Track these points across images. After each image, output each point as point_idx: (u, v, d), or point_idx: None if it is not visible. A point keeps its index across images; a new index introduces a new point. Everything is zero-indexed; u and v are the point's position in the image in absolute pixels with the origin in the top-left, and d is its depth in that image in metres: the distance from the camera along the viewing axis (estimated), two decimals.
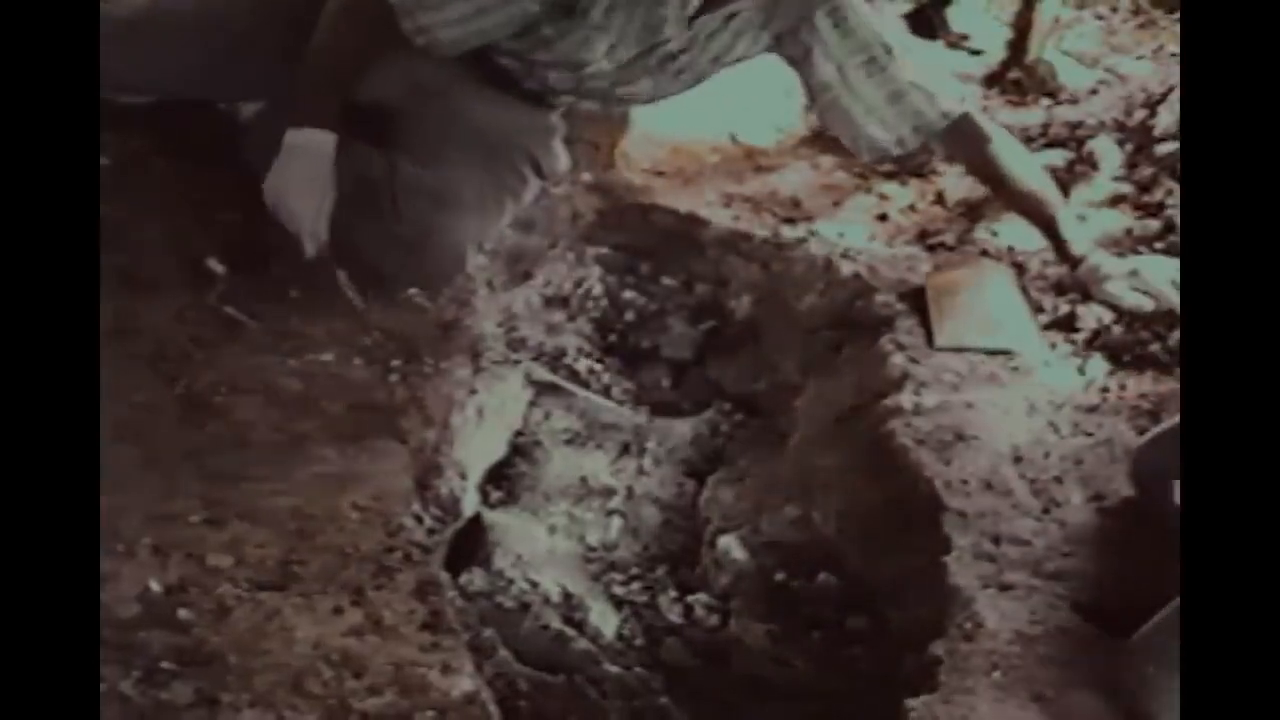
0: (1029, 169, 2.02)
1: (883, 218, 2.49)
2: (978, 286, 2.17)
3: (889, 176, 2.62)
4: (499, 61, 1.92)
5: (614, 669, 1.69)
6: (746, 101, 2.39)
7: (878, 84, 1.92)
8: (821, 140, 2.70)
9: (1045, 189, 2.01)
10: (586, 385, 2.24)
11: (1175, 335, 2.00)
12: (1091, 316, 2.09)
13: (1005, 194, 2.06)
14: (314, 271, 1.89)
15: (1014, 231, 2.22)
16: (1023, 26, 3.06)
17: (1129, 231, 2.34)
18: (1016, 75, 3.03)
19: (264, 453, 1.61)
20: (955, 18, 3.21)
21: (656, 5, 1.75)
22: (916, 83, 1.92)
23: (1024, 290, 2.18)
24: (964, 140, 1.99)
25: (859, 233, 2.41)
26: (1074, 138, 2.73)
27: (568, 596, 1.80)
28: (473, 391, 1.96)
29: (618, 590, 1.86)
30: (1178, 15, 3.25)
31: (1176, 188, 2.35)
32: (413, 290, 1.96)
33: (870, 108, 1.95)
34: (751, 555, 1.89)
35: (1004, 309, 2.13)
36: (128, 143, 1.99)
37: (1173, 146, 2.50)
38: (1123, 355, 2.04)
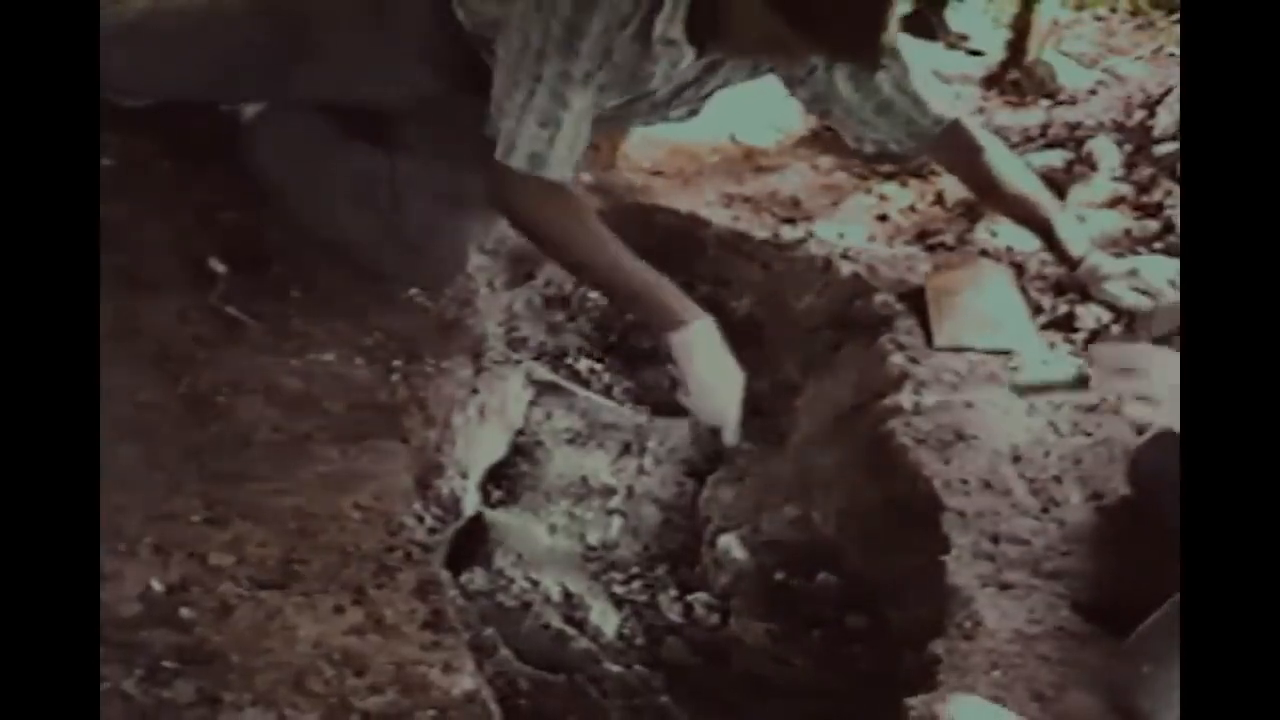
0: (1020, 174, 2.02)
1: (883, 218, 2.49)
2: (977, 286, 2.17)
3: (889, 177, 2.62)
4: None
5: (614, 668, 1.69)
6: (746, 101, 2.40)
7: (864, 96, 1.92)
8: (821, 140, 2.71)
9: (1038, 194, 2.02)
10: (587, 385, 2.24)
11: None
12: (1090, 316, 2.09)
13: (997, 200, 2.06)
14: (315, 270, 1.90)
15: (1013, 232, 2.22)
16: (1022, 27, 3.07)
17: (1128, 232, 2.34)
18: (1016, 76, 3.04)
19: (266, 452, 1.61)
20: (954, 19, 3.21)
21: (646, 63, 1.75)
22: (905, 90, 1.92)
23: (1023, 290, 2.19)
24: (954, 147, 1.99)
25: (859, 233, 2.42)
26: (1073, 138, 2.74)
27: (568, 595, 1.80)
28: (474, 391, 1.97)
29: (618, 589, 1.87)
30: (1176, 16, 3.26)
31: (1175, 188, 2.35)
32: (414, 290, 1.97)
33: (862, 120, 1.95)
34: (751, 554, 1.90)
35: (1003, 309, 2.13)
36: (129, 143, 2.00)
37: (1171, 147, 2.50)
38: None
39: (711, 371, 1.77)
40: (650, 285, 1.77)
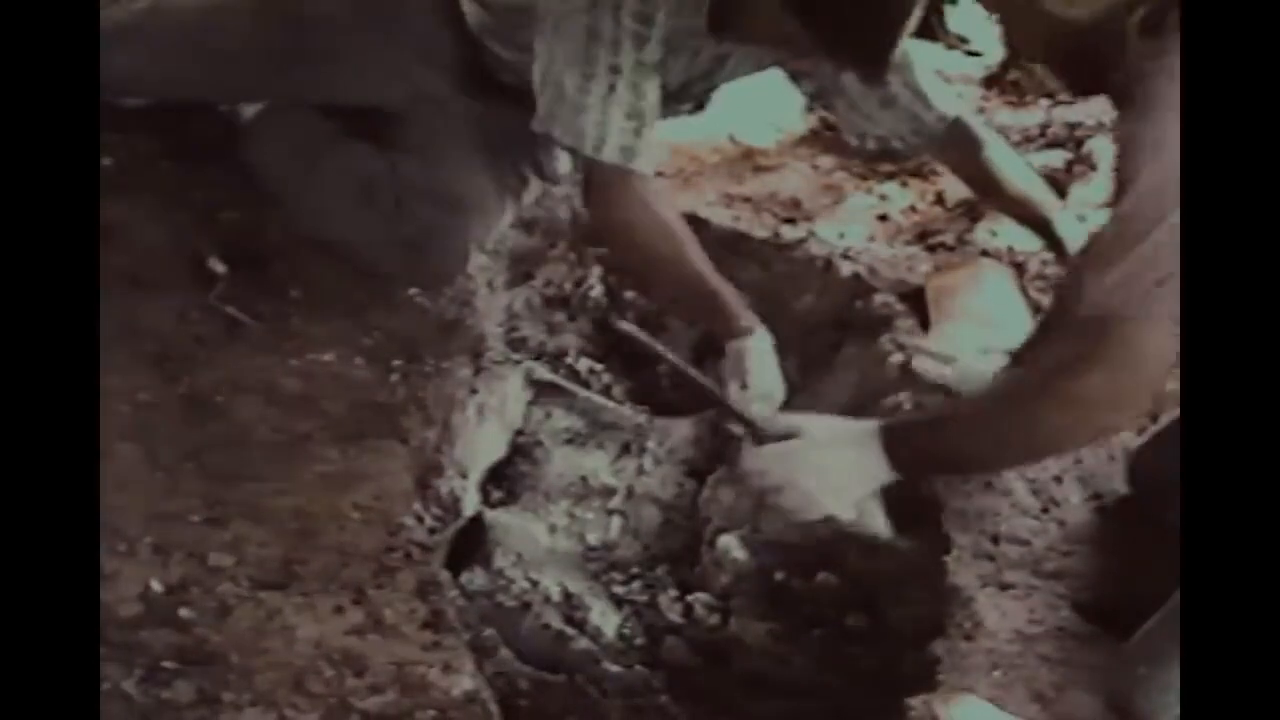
0: (1022, 173, 2.02)
1: (883, 218, 2.49)
2: (977, 286, 2.17)
3: (889, 176, 2.62)
4: (501, 77, 1.93)
5: (614, 668, 1.69)
6: (746, 101, 2.39)
7: (870, 90, 1.92)
8: (821, 140, 2.70)
9: (1039, 193, 2.02)
10: (587, 385, 2.24)
11: None
12: None
13: (998, 198, 2.06)
14: (315, 270, 1.90)
15: (1014, 231, 2.22)
16: None
17: None
18: (1015, 76, 3.04)
19: (265, 452, 1.61)
20: (954, 19, 3.21)
21: (667, 58, 1.75)
22: (910, 85, 1.92)
23: (1023, 290, 2.18)
24: (956, 144, 1.99)
25: (859, 233, 2.41)
26: (1073, 138, 2.73)
27: (568, 596, 1.80)
28: (473, 391, 1.96)
29: (618, 589, 1.86)
30: None
31: None
32: (414, 290, 1.97)
33: (867, 115, 1.95)
34: (751, 555, 1.89)
35: (1003, 309, 2.13)
36: (129, 143, 2.00)
37: None
38: None
39: (769, 378, 1.79)
40: (724, 290, 1.79)
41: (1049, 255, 2.12)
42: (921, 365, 1.97)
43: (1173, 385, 1.33)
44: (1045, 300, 2.16)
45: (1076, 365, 1.29)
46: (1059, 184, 2.48)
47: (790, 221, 2.44)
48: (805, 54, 1.77)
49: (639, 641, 1.78)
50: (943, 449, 1.44)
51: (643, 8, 1.65)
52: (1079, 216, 2.30)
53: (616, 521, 2.00)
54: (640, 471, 2.07)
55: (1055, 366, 1.35)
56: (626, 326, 1.90)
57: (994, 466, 1.48)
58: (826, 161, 2.67)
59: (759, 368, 1.77)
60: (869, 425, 1.46)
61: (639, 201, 1.75)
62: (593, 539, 1.96)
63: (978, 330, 2.03)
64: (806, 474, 1.46)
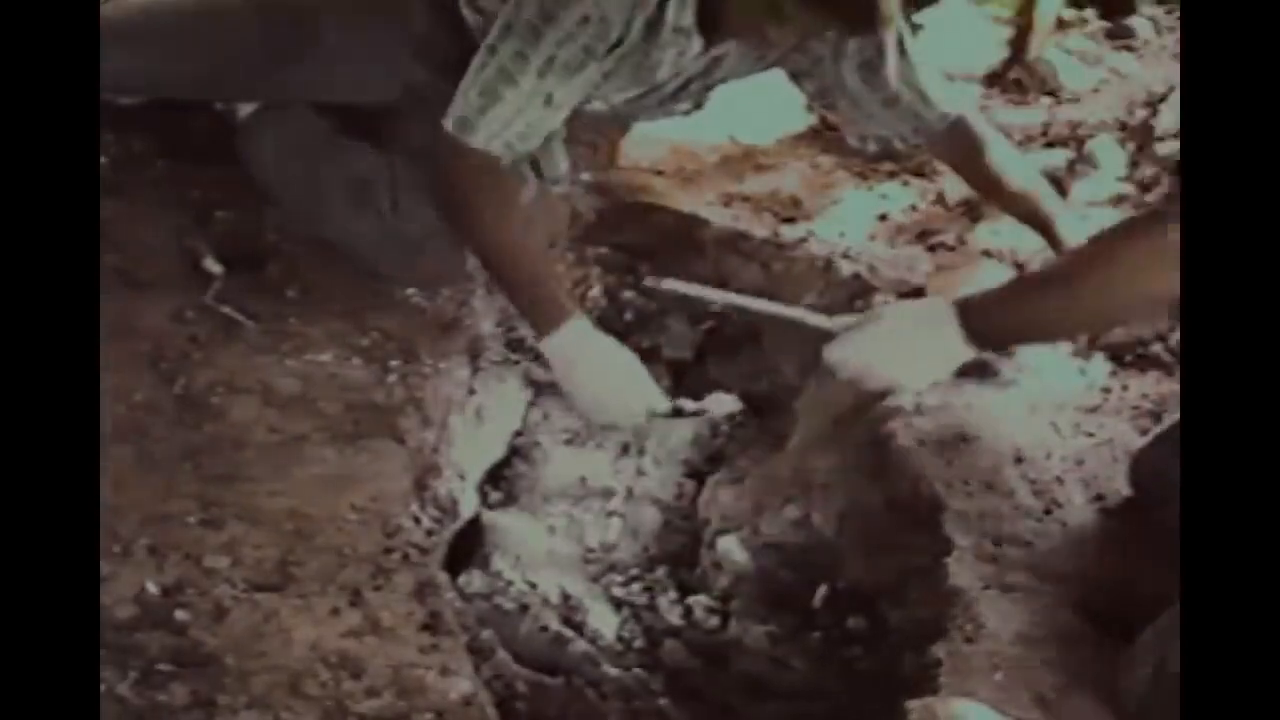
0: (1023, 171, 2.01)
1: (883, 217, 2.48)
2: (978, 287, 2.16)
3: (889, 176, 2.61)
4: None
5: (613, 670, 1.68)
6: (746, 101, 2.39)
7: (872, 89, 1.91)
8: (821, 139, 2.70)
9: (1041, 192, 2.01)
10: None
11: (1176, 335, 2.00)
12: None
13: (1000, 197, 2.05)
14: (311, 270, 1.89)
15: (1015, 231, 2.22)
16: (1023, 25, 3.06)
17: None
18: (1017, 75, 3.03)
19: (262, 453, 1.61)
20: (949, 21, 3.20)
21: (654, 50, 1.75)
22: (912, 84, 1.91)
23: None
24: (958, 143, 1.98)
25: (859, 233, 2.41)
26: (1075, 137, 2.73)
27: (567, 598, 1.79)
28: (471, 392, 1.96)
29: (617, 591, 1.86)
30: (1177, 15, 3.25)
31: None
32: (411, 290, 1.96)
33: (869, 113, 1.95)
34: (751, 556, 1.89)
35: None
36: (126, 142, 1.99)
37: (1174, 146, 2.49)
38: (1124, 355, 2.03)
39: (605, 372, 1.76)
40: (551, 280, 1.79)
41: (1051, 255, 2.11)
42: None
43: None
44: None
45: (1120, 230, 1.47)
46: (1061, 183, 2.47)
47: (790, 221, 2.44)
48: (796, 29, 1.75)
49: (638, 644, 1.78)
50: (1015, 319, 1.52)
51: (550, 6, 1.66)
52: (1081, 216, 2.30)
53: (616, 523, 1.99)
54: (640, 472, 2.07)
55: (1102, 235, 1.50)
56: (666, 285, 1.82)
57: (1062, 332, 1.57)
58: (826, 161, 2.66)
59: (590, 361, 1.75)
60: (940, 303, 1.53)
61: (469, 173, 1.76)
62: (591, 541, 1.96)
63: None
64: (882, 358, 1.54)
